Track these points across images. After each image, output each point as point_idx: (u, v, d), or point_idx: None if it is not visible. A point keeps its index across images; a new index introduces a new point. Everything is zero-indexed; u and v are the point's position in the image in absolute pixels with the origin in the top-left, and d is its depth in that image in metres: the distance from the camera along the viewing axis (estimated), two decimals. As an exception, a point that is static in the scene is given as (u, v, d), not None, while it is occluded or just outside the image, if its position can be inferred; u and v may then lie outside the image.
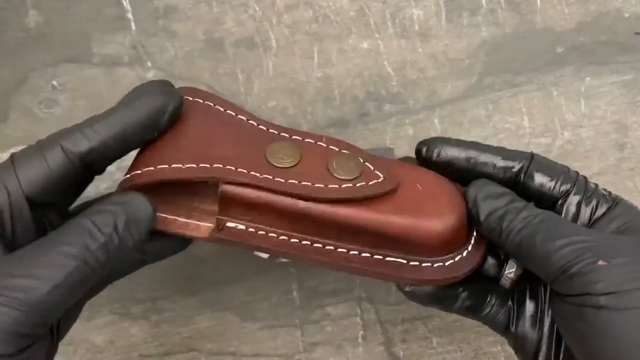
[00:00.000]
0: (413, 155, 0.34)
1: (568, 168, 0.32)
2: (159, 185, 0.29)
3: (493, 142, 0.43)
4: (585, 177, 0.32)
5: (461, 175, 0.32)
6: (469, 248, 0.31)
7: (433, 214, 0.30)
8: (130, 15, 0.43)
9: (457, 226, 0.30)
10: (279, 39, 0.43)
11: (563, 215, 0.30)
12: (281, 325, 0.42)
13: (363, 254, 0.30)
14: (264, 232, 0.30)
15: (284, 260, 0.40)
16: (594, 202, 0.30)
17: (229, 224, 0.30)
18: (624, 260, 0.25)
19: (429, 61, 0.43)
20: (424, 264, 0.30)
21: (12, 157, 0.29)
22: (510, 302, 0.31)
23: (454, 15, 0.43)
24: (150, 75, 0.43)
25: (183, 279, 0.43)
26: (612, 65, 0.43)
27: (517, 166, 0.31)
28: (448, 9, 0.43)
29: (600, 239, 0.27)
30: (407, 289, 0.31)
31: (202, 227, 0.31)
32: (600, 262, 0.25)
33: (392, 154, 0.42)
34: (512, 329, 0.31)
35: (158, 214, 0.30)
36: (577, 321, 0.26)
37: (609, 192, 0.31)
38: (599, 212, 0.30)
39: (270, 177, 0.30)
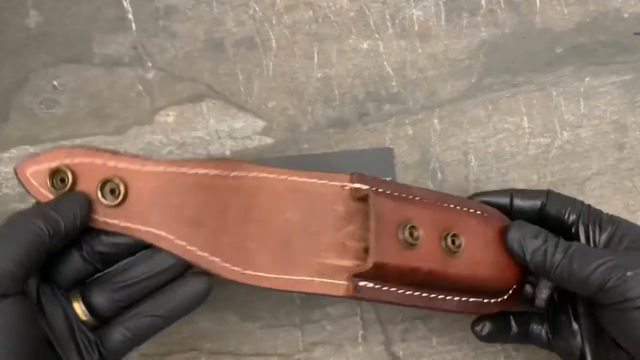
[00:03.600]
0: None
1: (575, 200, 0.37)
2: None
3: (492, 142, 0.43)
4: (589, 205, 0.37)
5: None
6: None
7: (508, 267, 0.36)
8: (130, 16, 0.43)
9: (519, 274, 0.37)
10: (279, 40, 0.43)
11: (579, 240, 0.36)
12: (281, 325, 0.42)
13: (455, 298, 0.36)
14: (387, 288, 0.34)
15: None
16: (600, 226, 0.36)
17: (361, 283, 0.33)
18: None
19: (428, 61, 0.43)
20: (492, 300, 0.37)
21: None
22: (546, 320, 0.38)
23: (454, 16, 0.43)
24: (151, 75, 0.43)
25: (183, 279, 0.43)
26: (611, 66, 0.43)
27: (538, 204, 0.37)
28: (448, 9, 0.43)
29: (620, 256, 0.33)
30: (481, 332, 0.38)
31: (340, 286, 0.33)
32: (629, 273, 0.32)
33: (392, 154, 0.42)
34: (555, 342, 0.37)
35: (291, 277, 0.33)
36: (623, 322, 0.32)
37: (610, 215, 0.36)
38: (605, 234, 0.36)
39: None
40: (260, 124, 0.43)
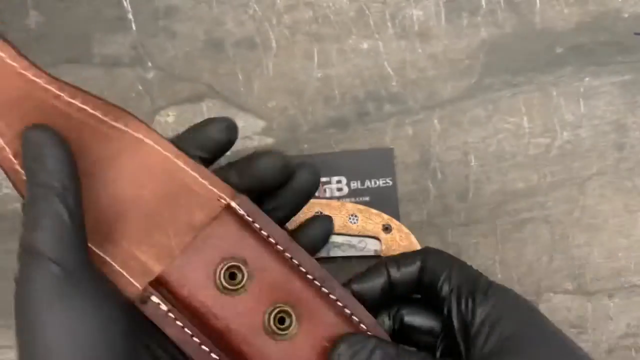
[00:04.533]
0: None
1: (451, 264, 0.31)
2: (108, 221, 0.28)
3: (493, 142, 0.43)
4: (465, 273, 0.31)
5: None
6: None
7: None
8: (130, 16, 0.43)
9: None
10: (279, 40, 0.43)
11: (452, 320, 0.30)
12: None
13: None
14: (178, 323, 0.28)
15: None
16: (474, 302, 0.30)
17: (153, 298, 0.27)
18: None
19: (428, 61, 0.43)
20: None
21: None
22: None
23: (454, 16, 0.43)
24: (151, 75, 0.43)
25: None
26: (611, 66, 0.43)
27: (415, 273, 0.31)
28: (448, 9, 0.43)
29: None
30: None
31: (132, 287, 0.28)
32: None
33: (392, 155, 0.42)
34: None
35: (97, 251, 0.28)
36: None
37: (487, 287, 0.30)
38: (479, 314, 0.29)
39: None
40: (260, 124, 0.43)
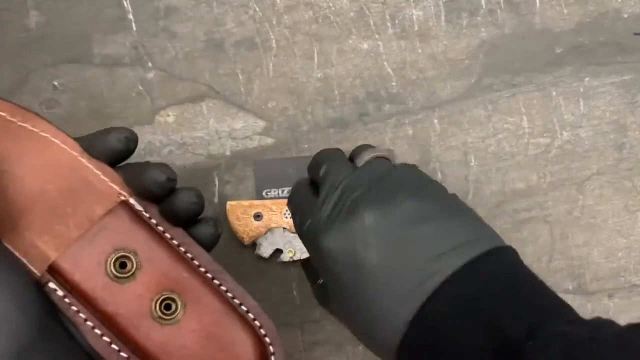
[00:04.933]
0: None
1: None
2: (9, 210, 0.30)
3: (492, 142, 0.43)
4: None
5: None
6: None
7: None
8: (130, 16, 0.43)
9: None
10: (279, 40, 0.43)
11: None
12: (281, 324, 0.42)
13: None
14: (76, 310, 0.30)
15: (284, 260, 0.41)
16: None
17: (50, 285, 0.29)
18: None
19: (428, 62, 0.43)
20: None
21: None
22: None
23: (454, 16, 0.43)
24: (151, 75, 0.43)
25: (183, 279, 0.43)
26: (611, 66, 0.43)
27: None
28: (447, 9, 0.43)
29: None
30: None
31: (32, 274, 0.30)
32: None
33: (393, 155, 0.42)
34: None
35: (4, 243, 0.30)
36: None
37: None
38: None
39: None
40: (261, 124, 0.43)
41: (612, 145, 0.43)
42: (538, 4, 0.43)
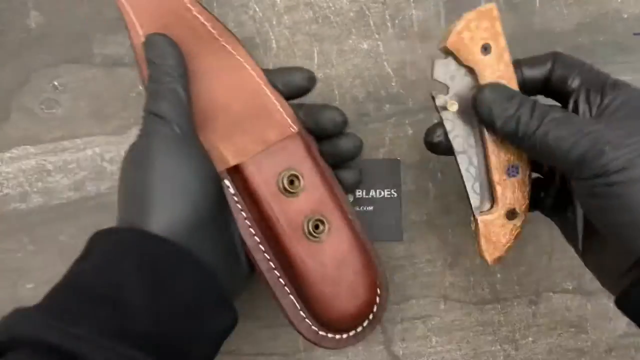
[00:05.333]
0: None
1: (582, 63, 0.34)
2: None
3: (492, 142, 0.43)
4: (596, 70, 0.33)
5: None
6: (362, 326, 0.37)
7: (364, 286, 0.36)
8: (131, 16, 0.43)
9: (355, 316, 0.36)
10: (279, 40, 0.43)
11: (578, 109, 0.33)
12: (281, 325, 0.42)
13: (285, 287, 0.36)
14: (240, 209, 0.35)
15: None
16: (602, 92, 0.32)
17: (226, 182, 0.35)
18: (631, 140, 0.29)
19: (428, 62, 0.43)
20: (315, 328, 0.36)
21: None
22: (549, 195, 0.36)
23: (454, 16, 0.43)
24: (151, 75, 0.43)
25: (183, 279, 0.43)
26: (611, 66, 0.43)
27: (545, 70, 0.34)
28: (447, 9, 0.43)
29: (607, 127, 0.30)
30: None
31: (218, 164, 0.35)
32: (607, 147, 0.29)
33: (399, 166, 0.42)
34: (555, 217, 0.36)
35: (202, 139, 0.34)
36: (596, 199, 0.30)
37: (615, 80, 0.33)
38: (605, 101, 0.32)
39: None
40: (261, 124, 0.43)
41: (611, 145, 0.43)
42: (538, 4, 0.43)
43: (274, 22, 0.43)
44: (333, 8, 0.43)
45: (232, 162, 0.35)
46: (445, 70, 0.33)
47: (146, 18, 0.35)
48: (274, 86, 0.36)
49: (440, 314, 0.43)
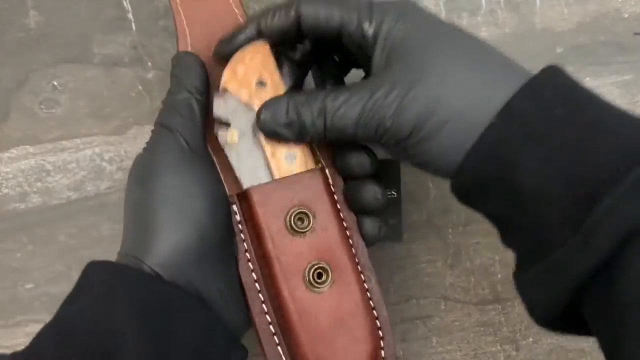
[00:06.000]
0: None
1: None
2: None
3: (492, 142, 0.43)
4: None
5: None
6: None
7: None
8: (130, 16, 0.43)
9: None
10: (279, 39, 0.43)
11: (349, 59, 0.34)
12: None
13: (273, 336, 0.32)
14: (242, 238, 0.33)
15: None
16: (361, 22, 0.31)
17: (234, 207, 0.33)
18: (403, 94, 0.29)
19: (428, 61, 0.43)
20: None
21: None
22: None
23: (454, 16, 0.43)
24: (151, 75, 0.43)
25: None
26: (611, 66, 0.43)
27: (291, 19, 0.32)
28: (448, 9, 0.43)
29: (379, 87, 0.29)
30: None
31: (231, 185, 0.33)
32: (388, 123, 0.29)
33: (398, 167, 0.42)
34: None
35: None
36: (410, 159, 0.31)
37: (371, 2, 0.31)
38: (368, 29, 0.31)
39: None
40: (260, 124, 0.42)
41: (612, 145, 0.43)
42: (538, 4, 0.43)
43: (274, 22, 0.43)
44: (333, 8, 0.43)
45: (245, 185, 0.32)
46: (225, 107, 0.33)
47: (198, 29, 0.34)
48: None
49: (441, 314, 0.42)
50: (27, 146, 0.43)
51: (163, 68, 0.43)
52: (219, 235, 0.31)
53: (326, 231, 0.32)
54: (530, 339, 0.43)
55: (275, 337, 0.32)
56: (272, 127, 0.32)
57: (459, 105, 0.28)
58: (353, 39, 0.31)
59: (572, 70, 0.43)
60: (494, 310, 0.43)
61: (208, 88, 0.33)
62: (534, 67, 0.43)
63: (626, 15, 0.43)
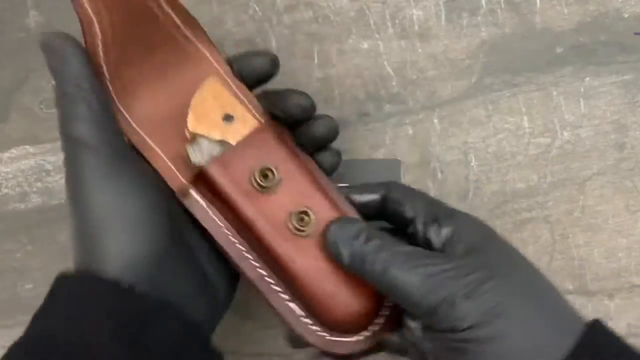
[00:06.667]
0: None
1: (414, 192, 0.34)
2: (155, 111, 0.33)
3: (492, 142, 0.43)
4: (429, 199, 0.34)
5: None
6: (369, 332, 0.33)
7: (354, 293, 0.32)
8: (130, 16, 0.43)
9: (363, 312, 0.32)
10: (279, 40, 0.43)
11: (418, 240, 0.32)
12: (282, 325, 0.42)
13: (280, 294, 0.33)
14: (216, 220, 0.32)
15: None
16: (439, 224, 0.32)
17: (192, 192, 0.32)
18: (481, 291, 0.28)
19: (428, 61, 0.43)
20: (322, 334, 0.33)
21: None
22: None
23: (454, 16, 0.43)
24: (151, 75, 0.43)
25: (183, 279, 0.43)
26: (611, 66, 0.43)
27: (377, 198, 0.34)
28: (448, 9, 0.43)
29: (454, 267, 0.29)
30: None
31: (178, 180, 0.32)
32: (458, 301, 0.27)
33: (399, 166, 0.42)
34: None
35: (152, 145, 0.32)
36: (446, 352, 0.29)
37: (450, 211, 0.33)
38: (444, 233, 0.31)
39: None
40: (260, 124, 0.42)
41: (612, 145, 0.43)
42: (539, 4, 0.43)
43: (274, 22, 0.43)
44: (333, 7, 0.43)
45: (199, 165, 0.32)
46: (200, 152, 0.32)
47: (102, 8, 0.32)
48: (237, 76, 0.34)
49: (441, 314, 0.42)
50: (27, 146, 0.43)
51: (163, 68, 0.43)
52: (170, 237, 0.30)
53: (293, 179, 0.32)
54: (531, 339, 0.43)
55: (283, 294, 0.33)
56: (334, 242, 0.31)
57: (527, 326, 0.28)
58: (422, 236, 0.32)
59: (572, 70, 0.43)
60: (494, 310, 0.43)
61: (94, 75, 0.30)
62: (534, 67, 0.43)
63: (626, 15, 0.43)
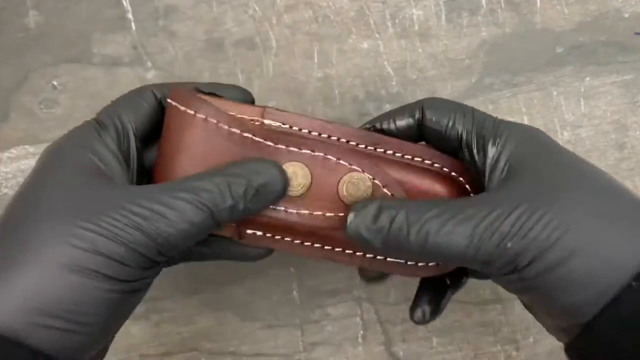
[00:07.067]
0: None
1: (457, 107, 0.32)
2: None
3: (493, 142, 0.43)
4: (472, 113, 0.32)
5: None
6: None
7: None
8: (130, 15, 0.43)
9: None
10: (279, 39, 0.43)
11: (464, 161, 0.32)
12: (281, 325, 0.42)
13: (367, 255, 0.33)
14: (280, 237, 0.33)
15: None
16: (484, 140, 0.30)
17: (249, 231, 0.33)
18: (531, 224, 0.26)
19: (428, 61, 0.43)
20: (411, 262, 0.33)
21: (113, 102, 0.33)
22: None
23: (454, 16, 0.43)
24: (151, 75, 0.43)
25: (183, 279, 0.43)
26: (611, 66, 0.43)
27: (412, 122, 0.32)
28: (448, 9, 0.43)
29: (498, 204, 0.27)
30: (423, 319, 0.35)
31: (227, 228, 0.33)
32: (509, 244, 0.26)
33: None
34: None
35: None
36: (515, 292, 0.28)
37: (497, 124, 0.31)
38: (491, 152, 0.30)
39: (283, 208, 0.32)
40: (260, 124, 0.42)
41: (612, 145, 0.43)
42: (539, 4, 0.43)
43: (274, 22, 0.43)
44: (333, 7, 0.43)
45: None
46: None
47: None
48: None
49: (442, 314, 0.42)
50: (27, 146, 0.43)
51: (163, 68, 0.43)
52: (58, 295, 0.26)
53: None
54: (531, 339, 0.43)
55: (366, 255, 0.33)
56: (357, 232, 0.28)
57: (590, 241, 0.26)
58: (471, 154, 0.31)
59: (572, 69, 0.43)
60: (494, 311, 0.43)
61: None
62: (534, 67, 0.43)
63: (626, 15, 0.43)
